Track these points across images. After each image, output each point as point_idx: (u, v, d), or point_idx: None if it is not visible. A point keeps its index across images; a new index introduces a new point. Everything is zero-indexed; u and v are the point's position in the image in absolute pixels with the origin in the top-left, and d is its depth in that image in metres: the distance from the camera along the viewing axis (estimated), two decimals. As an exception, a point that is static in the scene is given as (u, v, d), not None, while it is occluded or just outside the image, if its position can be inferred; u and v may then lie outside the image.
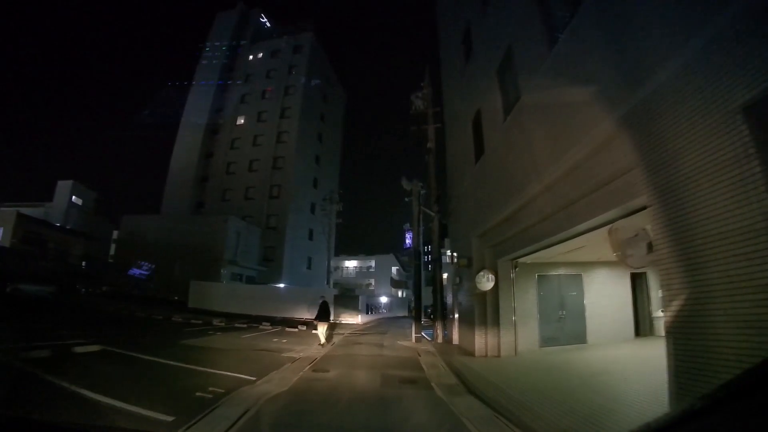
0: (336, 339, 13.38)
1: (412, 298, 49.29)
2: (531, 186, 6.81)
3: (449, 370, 7.77)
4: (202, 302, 24.23)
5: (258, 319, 19.57)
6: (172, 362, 7.37)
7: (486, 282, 9.35)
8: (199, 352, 8.97)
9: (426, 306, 46.32)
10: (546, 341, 10.39)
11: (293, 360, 8.47)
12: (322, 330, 11.37)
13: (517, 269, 9.82)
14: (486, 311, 9.55)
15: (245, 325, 16.63)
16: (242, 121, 39.09)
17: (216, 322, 17.20)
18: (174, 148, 40.08)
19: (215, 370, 6.93)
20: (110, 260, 36.46)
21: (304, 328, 15.99)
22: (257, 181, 34.19)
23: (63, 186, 43.13)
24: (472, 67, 11.12)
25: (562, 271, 11.05)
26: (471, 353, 9.68)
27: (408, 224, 30.99)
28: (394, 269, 46.07)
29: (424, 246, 36.65)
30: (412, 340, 12.53)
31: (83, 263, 37.45)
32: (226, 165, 37.14)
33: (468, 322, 10.35)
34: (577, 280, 11.26)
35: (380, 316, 30.36)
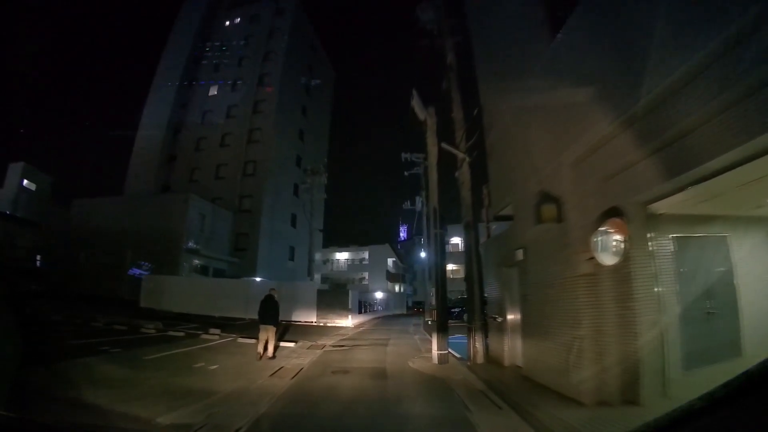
0: (309, 359, 8.32)
1: (411, 294, 44.53)
2: None
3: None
4: (157, 300, 19.44)
5: (213, 323, 14.57)
6: None
7: (608, 251, 4.41)
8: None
9: (418, 303, 41.31)
10: (692, 360, 5.47)
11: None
12: (266, 337, 7.98)
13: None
14: (603, 308, 4.61)
15: (183, 333, 11.58)
16: (215, 91, 33.88)
17: (147, 327, 12.18)
18: (140, 125, 35.04)
19: None
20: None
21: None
22: (230, 157, 28.92)
23: (14, 169, 37.60)
24: None
25: (703, 232, 6.11)
26: (569, 395, 4.72)
27: (408, 203, 25.88)
28: (390, 261, 40.96)
29: (420, 236, 31.70)
30: (433, 359, 7.57)
31: (38, 257, 32.41)
32: (196, 141, 31.93)
33: (551, 330, 5.37)
34: (721, 246, 6.31)
35: (376, 315, 25.39)
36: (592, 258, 4.69)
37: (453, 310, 18.59)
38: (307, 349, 9.65)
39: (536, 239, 5.89)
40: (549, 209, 5.15)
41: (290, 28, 34.42)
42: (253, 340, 10.45)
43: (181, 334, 11.57)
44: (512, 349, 7.16)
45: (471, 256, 7.74)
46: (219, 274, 24.92)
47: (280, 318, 15.92)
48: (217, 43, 36.63)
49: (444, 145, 8.36)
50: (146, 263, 22.82)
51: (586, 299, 4.81)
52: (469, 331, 7.43)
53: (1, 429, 1.22)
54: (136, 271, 22.71)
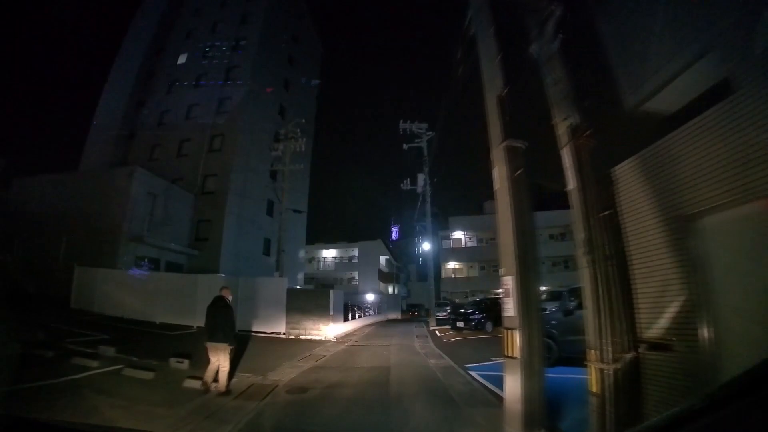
0: (228, 429, 3.89)
1: (405, 296, 39.97)
2: None
3: None
4: (90, 300, 15.14)
5: (135, 333, 10.20)
6: None
7: None
8: None
9: (414, 306, 36.25)
10: None
11: None
12: (217, 360, 5.21)
13: None
14: None
15: (53, 354, 7.09)
16: (184, 59, 29.32)
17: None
18: (100, 99, 30.75)
19: None
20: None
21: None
22: (195, 131, 24.32)
23: (-45, 149, 32.58)
24: None
25: None
26: None
27: (408, 182, 21.41)
28: (382, 259, 36.49)
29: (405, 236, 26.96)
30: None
31: (-18, 250, 27.69)
32: (159, 115, 27.34)
33: None
34: None
35: (367, 322, 20.95)
36: None
37: (472, 316, 14.29)
38: (238, 396, 5.16)
39: None
40: None
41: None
42: (150, 373, 5.99)
43: (51, 354, 7.10)
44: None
45: (587, 193, 3.42)
46: (176, 268, 20.26)
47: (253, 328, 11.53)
48: (191, 7, 32.24)
49: None
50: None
51: None
52: (603, 376, 3.10)
53: (1, 429, 1.20)
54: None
